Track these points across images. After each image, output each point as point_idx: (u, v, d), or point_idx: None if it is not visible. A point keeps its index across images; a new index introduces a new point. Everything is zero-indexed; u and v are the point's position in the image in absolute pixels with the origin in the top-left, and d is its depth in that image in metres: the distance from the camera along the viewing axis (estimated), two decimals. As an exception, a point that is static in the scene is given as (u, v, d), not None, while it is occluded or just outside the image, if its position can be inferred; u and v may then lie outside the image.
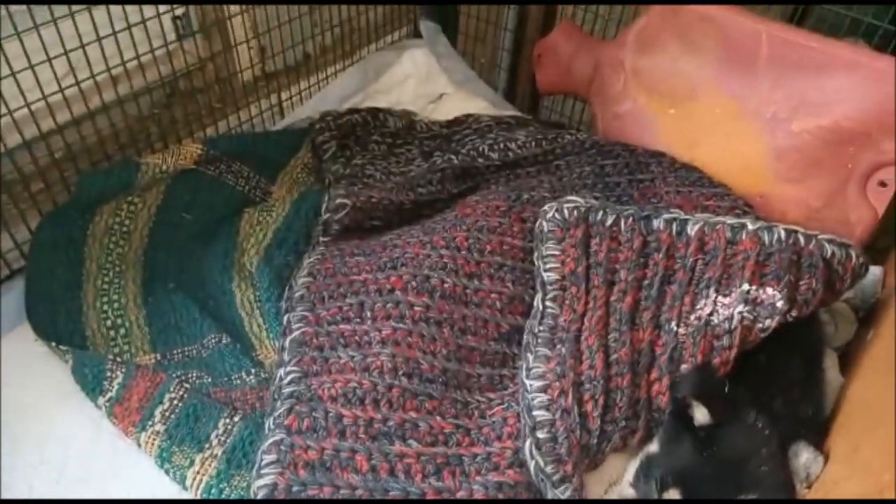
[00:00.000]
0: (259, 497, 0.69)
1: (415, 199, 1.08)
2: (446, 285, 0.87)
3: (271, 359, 0.88)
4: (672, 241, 0.89)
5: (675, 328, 0.82)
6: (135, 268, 0.99)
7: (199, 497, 0.74)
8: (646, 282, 0.88)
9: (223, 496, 0.74)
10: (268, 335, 0.90)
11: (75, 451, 0.80)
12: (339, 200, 1.03)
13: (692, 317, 0.83)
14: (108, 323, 0.92)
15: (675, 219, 0.91)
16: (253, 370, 0.86)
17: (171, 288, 0.97)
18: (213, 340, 0.91)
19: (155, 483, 0.77)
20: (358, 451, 0.71)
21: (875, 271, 0.92)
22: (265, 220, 1.06)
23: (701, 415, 0.73)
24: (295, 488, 0.70)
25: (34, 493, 0.77)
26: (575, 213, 0.94)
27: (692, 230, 0.89)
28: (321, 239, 1.02)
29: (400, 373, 0.78)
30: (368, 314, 0.84)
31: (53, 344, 0.88)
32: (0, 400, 0.84)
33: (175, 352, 0.90)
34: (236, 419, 0.80)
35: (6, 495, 0.76)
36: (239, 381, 0.85)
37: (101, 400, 0.83)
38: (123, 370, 0.86)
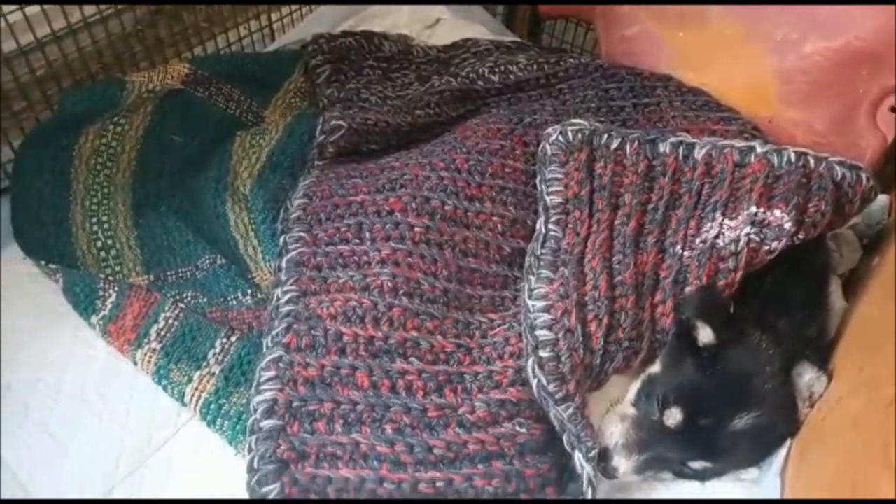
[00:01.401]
0: (259, 412, 0.69)
1: (412, 123, 1.04)
2: (447, 207, 0.85)
3: (267, 280, 0.86)
4: (678, 164, 0.87)
5: (679, 251, 0.80)
6: (124, 190, 0.96)
7: (197, 412, 0.74)
8: (650, 206, 0.86)
9: (222, 412, 0.73)
10: (263, 257, 0.88)
11: (71, 369, 0.79)
12: (334, 122, 0.99)
13: (697, 240, 0.81)
14: (99, 244, 0.90)
15: (681, 142, 0.88)
16: (249, 291, 0.85)
17: (163, 210, 0.95)
18: (207, 262, 0.89)
19: (153, 399, 0.77)
20: (358, 368, 0.70)
21: (882, 198, 0.91)
22: (258, 143, 1.02)
23: (705, 335, 0.73)
24: (295, 404, 0.69)
25: (31, 412, 0.76)
26: (579, 135, 0.91)
27: (699, 154, 0.86)
28: (316, 162, 0.99)
29: (400, 292, 0.76)
30: (367, 235, 0.82)
31: (43, 263, 0.86)
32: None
33: (169, 273, 0.88)
34: (233, 339, 0.79)
35: (4, 414, 0.75)
36: (235, 302, 0.84)
37: (94, 318, 0.82)
38: (116, 289, 0.84)
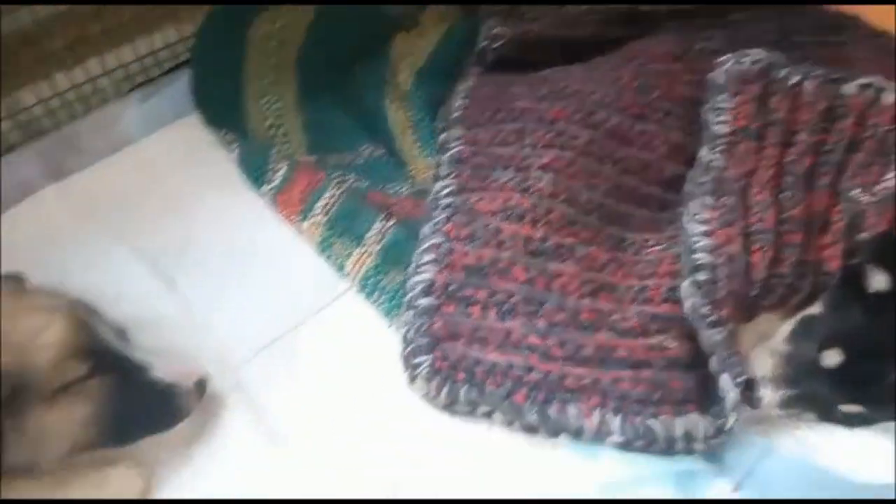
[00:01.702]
0: (416, 290, 0.72)
1: (573, 38, 1.02)
2: (611, 123, 0.84)
3: (424, 175, 0.88)
4: (863, 107, 0.82)
5: (857, 196, 0.76)
6: (291, 75, 1.00)
7: (356, 283, 0.78)
8: (826, 146, 0.82)
9: (379, 286, 0.77)
10: (420, 153, 0.90)
11: (244, 231, 0.85)
12: (496, 30, 0.98)
13: (877, 187, 0.77)
14: (268, 123, 0.95)
15: (870, 85, 0.83)
16: (406, 182, 0.88)
17: (326, 99, 0.98)
18: (367, 150, 0.92)
19: (315, 267, 0.82)
20: (516, 263, 0.72)
21: None
22: (418, 43, 1.04)
23: (879, 281, 0.70)
24: (451, 287, 0.72)
25: (208, 265, 0.83)
26: (756, 67, 0.86)
27: (889, 99, 0.81)
28: (474, 69, 1.00)
29: (559, 199, 0.77)
30: (528, 140, 0.83)
31: (223, 133, 0.92)
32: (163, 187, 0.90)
33: (330, 157, 0.92)
34: (390, 223, 0.82)
35: (184, 266, 0.82)
36: (392, 191, 0.87)
37: (264, 188, 0.87)
38: (287, 163, 0.89)
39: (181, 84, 0.99)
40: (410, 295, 0.73)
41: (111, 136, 0.94)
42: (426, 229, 0.77)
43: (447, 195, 0.79)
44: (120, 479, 0.66)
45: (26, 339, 0.61)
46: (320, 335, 0.77)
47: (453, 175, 0.81)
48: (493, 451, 0.69)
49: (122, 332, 0.68)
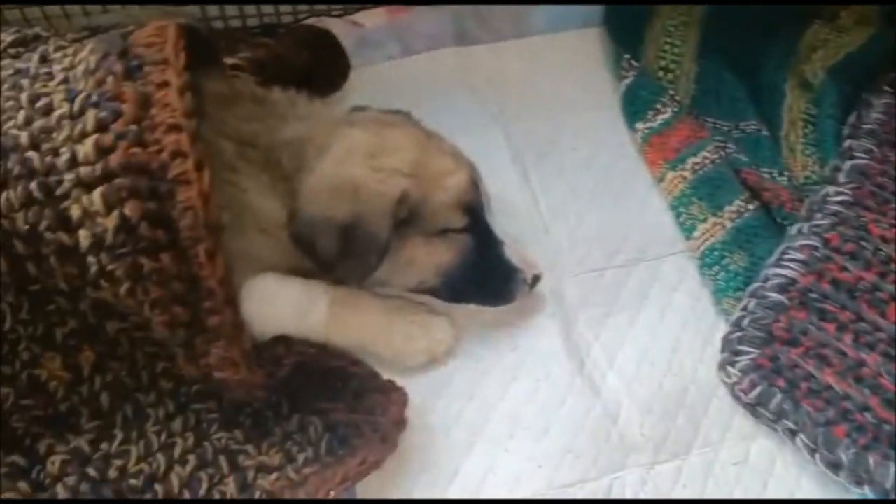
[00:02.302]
0: (770, 283, 0.70)
1: None
2: None
3: (798, 172, 0.83)
4: None
5: None
6: (696, 26, 0.98)
7: (699, 251, 0.77)
8: None
9: (722, 262, 0.75)
10: (804, 149, 0.85)
11: (599, 160, 0.88)
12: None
13: None
14: (662, 63, 0.94)
15: None
16: (785, 172, 0.83)
17: (723, 60, 0.94)
18: (751, 126, 0.88)
19: (659, 217, 0.83)
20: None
21: None
22: (837, 39, 0.96)
23: None
24: (812, 294, 0.68)
25: (564, 172, 0.86)
26: None
27: None
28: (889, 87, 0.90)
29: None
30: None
31: (626, 57, 0.93)
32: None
33: (708, 120, 0.90)
34: (751, 206, 0.79)
35: (535, 174, 0.86)
36: (768, 176, 0.83)
37: (639, 125, 0.88)
38: (675, 109, 0.89)
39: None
40: (759, 285, 0.71)
41: (520, 23, 0.99)
42: (803, 227, 0.73)
43: (838, 203, 0.74)
44: (439, 328, 0.72)
45: (435, 175, 0.68)
46: (644, 283, 0.78)
47: (852, 185, 0.75)
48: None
49: (488, 204, 0.75)
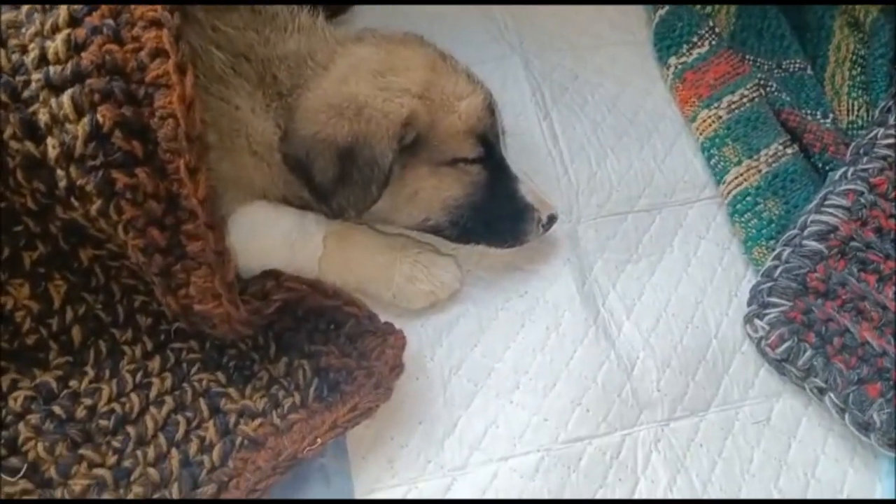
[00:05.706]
0: (808, 230, 0.64)
1: None
2: None
3: (843, 115, 0.76)
4: None
5: None
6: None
7: (728, 197, 0.72)
8: None
9: (755, 209, 0.69)
10: (851, 90, 0.78)
11: (624, 98, 0.81)
12: None
13: None
14: (701, -7, 0.86)
15: None
16: (830, 114, 0.76)
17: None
18: (795, 65, 0.81)
19: (687, 160, 0.76)
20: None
21: None
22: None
23: None
24: (854, 243, 0.62)
25: (586, 110, 0.80)
26: None
27: None
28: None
29: None
30: None
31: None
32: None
33: (748, 56, 0.82)
34: (789, 151, 0.73)
35: (556, 109, 0.79)
36: (811, 118, 0.76)
37: (672, 59, 0.81)
38: (713, 43, 0.81)
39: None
40: (796, 232, 0.64)
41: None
42: (845, 173, 0.67)
43: (887, 146, 0.67)
44: (445, 269, 0.67)
45: (447, 98, 0.62)
46: (668, 229, 0.72)
47: (902, 127, 0.68)
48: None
49: (504, 136, 0.68)
